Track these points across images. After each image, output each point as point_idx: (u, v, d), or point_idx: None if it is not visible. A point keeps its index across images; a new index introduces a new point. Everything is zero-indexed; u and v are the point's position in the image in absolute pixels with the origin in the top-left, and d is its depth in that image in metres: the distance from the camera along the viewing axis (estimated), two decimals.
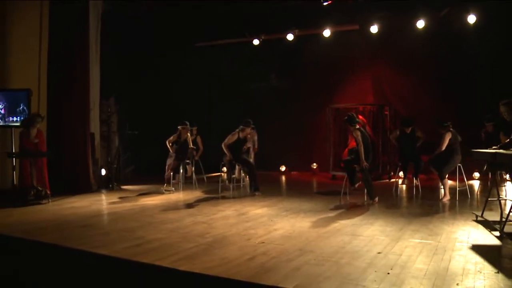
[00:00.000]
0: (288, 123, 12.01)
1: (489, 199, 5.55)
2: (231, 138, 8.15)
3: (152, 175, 10.03)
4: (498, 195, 5.55)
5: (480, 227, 5.15)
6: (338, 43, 11.17)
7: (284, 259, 3.96)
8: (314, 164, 11.94)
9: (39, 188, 7.11)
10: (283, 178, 11.57)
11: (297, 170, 12.25)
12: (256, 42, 11.82)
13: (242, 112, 12.08)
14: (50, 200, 7.15)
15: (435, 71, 10.12)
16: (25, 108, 7.39)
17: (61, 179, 7.93)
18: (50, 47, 8.17)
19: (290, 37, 11.37)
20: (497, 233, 4.81)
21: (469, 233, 4.88)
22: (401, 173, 8.59)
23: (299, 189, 8.90)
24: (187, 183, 9.12)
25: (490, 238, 4.69)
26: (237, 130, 8.22)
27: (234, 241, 4.60)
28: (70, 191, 7.99)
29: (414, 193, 7.61)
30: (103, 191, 8.64)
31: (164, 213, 6.21)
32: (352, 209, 6.47)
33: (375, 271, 3.62)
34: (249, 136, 8.52)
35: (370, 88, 11.25)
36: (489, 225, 5.14)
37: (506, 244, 4.46)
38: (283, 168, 12.33)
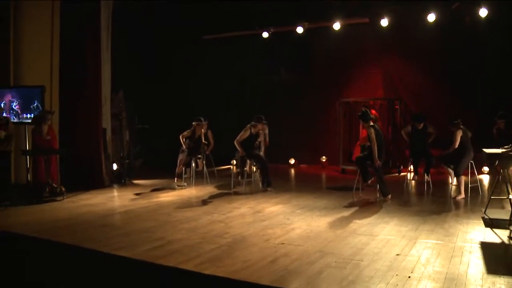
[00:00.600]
0: (298, 116, 12.00)
1: (491, 197, 5.64)
2: (243, 135, 8.18)
3: (162, 168, 10.16)
4: (508, 192, 5.56)
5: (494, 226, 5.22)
6: (348, 36, 11.11)
7: (306, 261, 4.03)
8: (323, 157, 11.98)
9: (54, 185, 7.19)
10: (292, 171, 11.64)
11: (306, 163, 12.29)
12: (265, 35, 11.79)
13: (251, 105, 12.15)
14: (64, 196, 7.24)
15: (447, 66, 10.06)
16: (39, 105, 7.42)
17: (74, 175, 8.02)
18: (62, 45, 8.20)
19: (299, 30, 11.33)
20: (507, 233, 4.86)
21: (484, 233, 4.93)
22: (411, 167, 8.60)
23: (310, 184, 8.97)
24: (198, 177, 9.19)
25: (503, 238, 4.74)
26: (248, 126, 8.26)
27: (253, 242, 4.66)
28: (83, 187, 8.07)
29: (425, 189, 7.65)
30: (115, 186, 8.74)
31: (180, 211, 6.28)
32: (366, 206, 6.53)
33: (396, 275, 3.69)
34: (260, 130, 8.55)
35: (380, 82, 11.21)
36: (498, 224, 5.18)
37: None
38: (292, 161, 12.38)
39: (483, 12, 9.10)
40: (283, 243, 4.62)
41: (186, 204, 6.84)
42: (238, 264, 3.96)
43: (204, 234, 5.00)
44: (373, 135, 6.94)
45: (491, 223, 5.26)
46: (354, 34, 11.11)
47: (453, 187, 7.29)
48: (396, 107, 10.22)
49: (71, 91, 8.26)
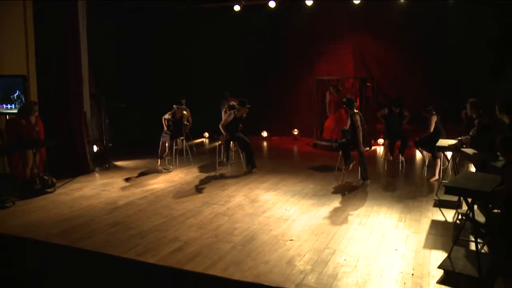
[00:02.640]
0: (269, 89, 12.28)
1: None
2: (227, 118, 8.41)
3: (138, 146, 10.43)
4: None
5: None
6: (320, 12, 11.36)
7: (320, 261, 4.47)
8: (295, 130, 12.45)
9: (45, 177, 7.16)
10: (265, 144, 12.06)
11: (278, 135, 12.74)
12: (237, 8, 11.73)
13: (223, 77, 12.26)
14: (56, 187, 7.25)
15: (421, 48, 10.56)
16: (20, 95, 7.20)
17: (58, 162, 7.96)
18: (37, 29, 7.82)
19: (272, 4, 11.36)
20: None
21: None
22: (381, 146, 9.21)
23: (290, 163, 9.47)
24: (180, 157, 9.37)
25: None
26: (232, 111, 8.47)
27: (264, 240, 5.05)
28: (69, 173, 8.08)
29: (400, 168, 8.36)
30: (97, 169, 8.77)
31: (180, 203, 6.53)
32: (352, 192, 7.05)
33: (401, 272, 4.24)
34: (244, 114, 8.75)
35: (351, 58, 11.63)
36: (446, 205, 6.08)
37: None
38: (264, 134, 12.76)
39: None
40: (291, 240, 5.06)
41: (181, 193, 7.08)
42: (260, 267, 4.35)
43: (214, 232, 5.33)
44: (358, 122, 7.41)
45: (439, 204, 6.15)
46: (326, 10, 11.35)
47: (426, 169, 8.01)
48: (368, 84, 10.71)
49: (49, 75, 7.98)
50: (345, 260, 4.52)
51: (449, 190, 4.24)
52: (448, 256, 4.35)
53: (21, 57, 7.87)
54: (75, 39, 8.14)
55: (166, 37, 12.19)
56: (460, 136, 6.24)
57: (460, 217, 5.67)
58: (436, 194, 6.41)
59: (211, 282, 4.17)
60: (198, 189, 7.35)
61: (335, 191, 7.09)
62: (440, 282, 4.04)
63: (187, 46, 12.61)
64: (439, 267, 4.21)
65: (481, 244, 4.54)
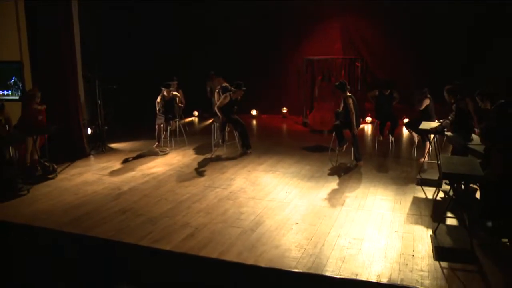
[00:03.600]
0: (258, 67, 12.37)
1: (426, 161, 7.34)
2: (223, 101, 8.53)
3: (131, 127, 10.40)
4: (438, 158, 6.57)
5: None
6: None
7: (327, 244, 4.76)
8: (284, 108, 12.64)
9: (46, 163, 7.21)
10: (255, 122, 12.25)
11: (268, 113, 12.92)
12: None
13: (211, 56, 12.28)
14: (57, 173, 7.32)
15: (409, 31, 10.77)
16: (17, 81, 7.14)
17: (55, 146, 7.97)
18: (29, 16, 7.69)
19: None
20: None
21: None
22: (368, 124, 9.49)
23: (284, 142, 9.74)
24: (174, 137, 9.51)
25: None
26: (228, 93, 8.58)
27: (271, 224, 5.31)
28: (66, 158, 8.13)
29: (390, 148, 8.73)
30: (92, 152, 8.83)
31: (183, 187, 6.72)
32: (348, 173, 7.36)
33: (402, 254, 4.58)
34: (239, 96, 8.87)
35: (338, 38, 11.78)
36: (428, 183, 6.60)
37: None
38: (254, 112, 12.93)
39: None
40: (297, 223, 5.35)
41: (182, 177, 7.25)
42: (272, 252, 4.62)
43: (222, 217, 5.55)
44: (351, 105, 7.66)
45: (421, 182, 6.67)
46: None
47: (416, 149, 8.38)
48: (357, 64, 10.93)
49: (43, 60, 7.90)
50: (349, 242, 4.84)
51: (446, 176, 4.62)
52: (434, 233, 4.86)
53: (14, 44, 7.73)
54: (69, 23, 8.03)
55: (157, 15, 12.07)
56: (442, 119, 6.67)
57: (442, 195, 6.22)
58: (419, 173, 6.94)
59: (228, 268, 4.43)
60: (198, 172, 7.54)
61: (331, 173, 7.39)
62: (436, 259, 4.43)
63: (175, 22, 12.49)
64: (434, 245, 4.60)
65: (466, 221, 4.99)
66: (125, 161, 8.27)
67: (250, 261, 4.44)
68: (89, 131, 9.35)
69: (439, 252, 4.51)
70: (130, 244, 4.83)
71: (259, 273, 4.29)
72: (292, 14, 11.98)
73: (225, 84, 9.32)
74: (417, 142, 8.34)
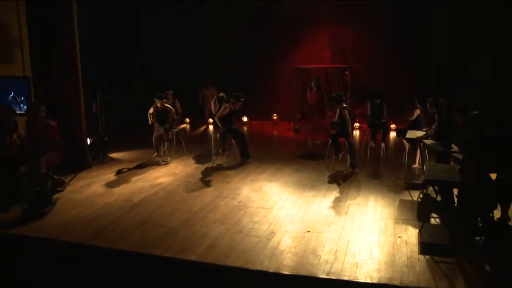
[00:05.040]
0: (249, 74, 12.69)
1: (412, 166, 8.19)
2: (223, 112, 8.87)
3: (129, 136, 10.77)
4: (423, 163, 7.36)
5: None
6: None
7: (339, 251, 5.18)
8: (275, 114, 13.05)
9: (55, 176, 7.38)
10: (246, 129, 12.61)
11: (258, 120, 13.30)
12: None
13: (202, 62, 12.58)
14: (66, 186, 7.50)
15: (397, 40, 11.32)
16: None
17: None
18: (30, 28, 7.83)
19: None
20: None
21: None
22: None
23: (280, 151, 10.15)
24: (171, 146, 9.81)
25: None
26: (227, 104, 8.93)
27: (283, 232, 5.70)
28: (69, 170, 8.26)
29: (381, 155, 9.28)
30: (94, 162, 9.00)
31: (192, 197, 7.02)
32: (347, 181, 7.82)
33: (408, 258, 5.05)
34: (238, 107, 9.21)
35: (327, 47, 12.27)
36: (413, 187, 7.30)
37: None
38: (245, 119, 13.27)
39: None
40: (308, 231, 5.75)
41: (189, 187, 7.54)
42: (291, 259, 5.01)
43: (237, 227, 5.89)
44: (347, 116, 8.14)
45: (408, 187, 7.36)
46: None
47: (407, 156, 8.93)
48: (346, 72, 11.44)
49: (46, 72, 8.05)
50: (359, 248, 5.28)
51: (428, 182, 5.67)
52: (420, 231, 5.57)
53: (17, 60, 7.86)
54: (71, 35, 8.19)
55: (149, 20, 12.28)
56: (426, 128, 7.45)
57: (424, 197, 6.92)
58: (406, 178, 7.76)
59: (254, 276, 4.79)
60: (204, 182, 7.86)
61: (330, 181, 7.84)
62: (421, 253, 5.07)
63: (170, 28, 12.68)
64: (419, 241, 5.33)
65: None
66: (129, 171, 8.49)
67: (272, 269, 4.81)
68: (88, 140, 9.49)
69: (424, 247, 5.21)
70: (157, 256, 5.12)
71: (286, 280, 4.66)
72: (282, 22, 12.38)
73: (221, 94, 9.63)
74: (408, 149, 8.88)
